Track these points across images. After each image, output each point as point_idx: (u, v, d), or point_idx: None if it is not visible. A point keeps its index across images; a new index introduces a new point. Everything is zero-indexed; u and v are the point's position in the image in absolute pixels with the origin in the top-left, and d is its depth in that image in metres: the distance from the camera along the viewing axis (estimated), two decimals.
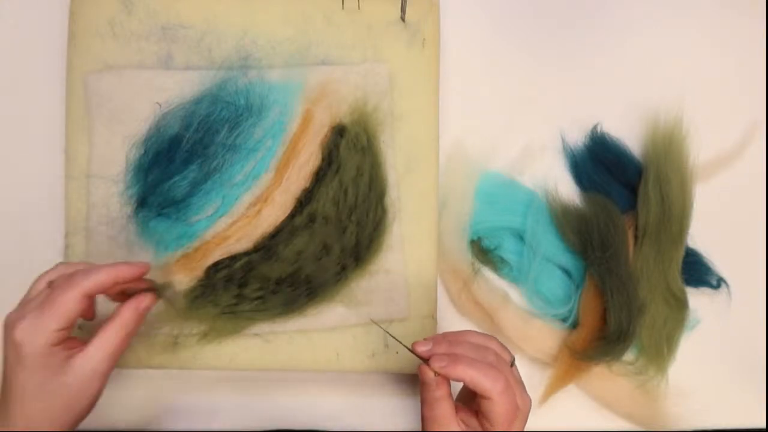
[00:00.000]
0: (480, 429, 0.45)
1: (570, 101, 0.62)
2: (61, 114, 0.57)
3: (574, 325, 0.59)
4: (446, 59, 0.60)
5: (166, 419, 0.59)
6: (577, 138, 0.61)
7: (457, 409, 0.46)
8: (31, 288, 0.46)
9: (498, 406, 0.44)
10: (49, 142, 0.58)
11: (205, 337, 0.55)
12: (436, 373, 0.44)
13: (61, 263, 0.47)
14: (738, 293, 0.61)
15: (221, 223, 0.56)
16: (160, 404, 0.59)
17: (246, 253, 0.56)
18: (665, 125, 0.60)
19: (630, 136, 0.61)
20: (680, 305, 0.59)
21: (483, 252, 0.60)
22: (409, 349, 0.46)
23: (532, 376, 0.60)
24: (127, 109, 0.56)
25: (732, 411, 0.61)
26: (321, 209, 0.56)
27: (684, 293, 0.59)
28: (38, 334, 0.41)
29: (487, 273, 0.60)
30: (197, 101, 0.56)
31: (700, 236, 0.60)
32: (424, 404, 0.46)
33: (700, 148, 0.60)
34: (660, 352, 0.59)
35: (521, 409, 0.45)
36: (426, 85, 0.59)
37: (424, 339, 0.46)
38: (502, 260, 0.60)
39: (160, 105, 0.56)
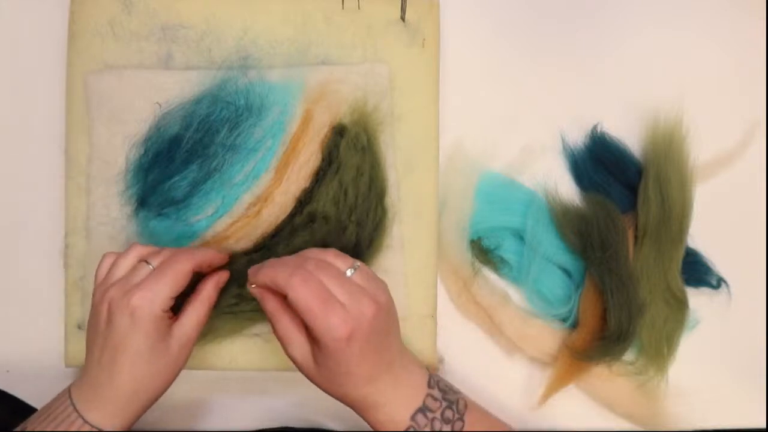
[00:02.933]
0: (314, 340, 0.44)
1: (570, 101, 0.62)
2: (61, 114, 0.57)
3: (574, 325, 0.59)
4: (446, 59, 0.60)
5: (166, 419, 0.59)
6: (577, 138, 0.61)
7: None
8: (113, 269, 0.48)
9: (297, 302, 0.42)
10: (49, 142, 0.58)
11: (205, 337, 0.55)
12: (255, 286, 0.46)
13: (135, 244, 0.50)
14: (738, 293, 0.61)
15: (221, 223, 0.56)
16: (160, 404, 0.59)
17: (246, 253, 0.56)
18: (665, 125, 0.59)
19: (630, 136, 0.61)
20: (680, 305, 0.59)
21: (483, 252, 0.60)
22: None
23: (532, 376, 0.60)
24: (127, 109, 0.56)
25: (732, 411, 0.61)
26: (321, 209, 0.56)
27: (684, 293, 0.59)
28: (156, 299, 0.45)
29: (487, 273, 0.60)
30: (197, 101, 0.56)
31: (700, 236, 0.60)
32: (270, 325, 0.47)
33: (700, 148, 0.60)
34: (660, 352, 0.59)
35: (349, 310, 0.43)
36: (426, 85, 0.59)
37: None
38: (502, 260, 0.60)
39: (160, 105, 0.56)
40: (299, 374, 0.59)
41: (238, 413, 0.59)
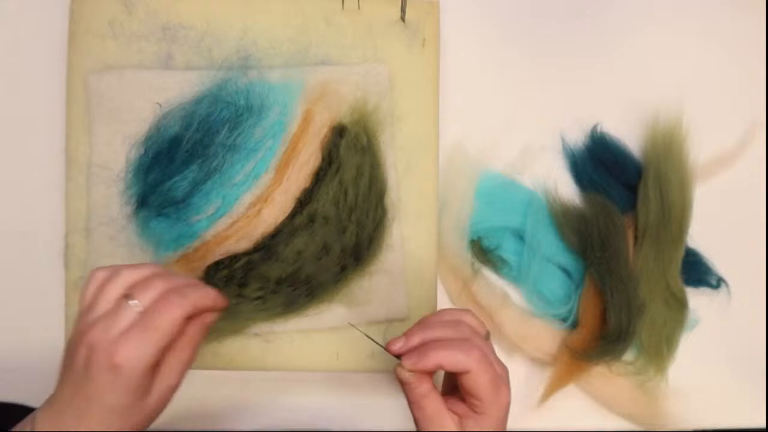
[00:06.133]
0: (471, 412, 0.44)
1: (570, 101, 0.62)
2: (61, 114, 0.57)
3: (574, 325, 0.59)
4: (446, 59, 0.60)
5: (166, 419, 0.59)
6: (577, 138, 0.61)
7: (447, 402, 0.45)
8: (98, 298, 0.42)
9: (479, 377, 0.43)
10: (49, 142, 0.58)
11: (205, 337, 0.55)
12: (413, 371, 0.44)
13: (123, 268, 0.43)
14: (738, 293, 0.61)
15: (221, 223, 0.56)
16: None
17: (246, 253, 0.56)
18: (665, 125, 0.60)
19: (630, 136, 0.61)
20: (680, 305, 0.59)
21: (483, 252, 0.60)
22: (384, 349, 0.45)
23: (532, 376, 0.60)
24: (127, 109, 0.56)
25: (732, 411, 0.61)
26: (321, 209, 0.56)
27: (684, 293, 0.59)
28: (143, 357, 0.40)
29: (487, 273, 0.60)
30: (197, 101, 0.56)
31: (700, 236, 0.60)
32: (412, 405, 0.45)
33: (700, 148, 0.60)
34: (660, 352, 0.59)
35: (504, 377, 0.45)
36: (426, 85, 0.59)
37: (401, 335, 0.45)
38: (502, 260, 0.60)
39: (160, 105, 0.56)
40: (299, 375, 0.59)
41: (238, 413, 0.59)
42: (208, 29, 0.58)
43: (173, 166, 0.55)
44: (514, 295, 0.60)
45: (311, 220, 0.56)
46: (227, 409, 0.59)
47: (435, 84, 0.59)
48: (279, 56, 0.58)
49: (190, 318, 0.42)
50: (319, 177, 0.57)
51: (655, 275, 0.58)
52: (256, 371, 0.58)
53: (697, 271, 0.61)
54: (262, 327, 0.56)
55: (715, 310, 0.61)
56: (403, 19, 0.59)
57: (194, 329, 0.43)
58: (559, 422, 0.60)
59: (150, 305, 0.41)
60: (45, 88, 0.59)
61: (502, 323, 0.59)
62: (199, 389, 0.59)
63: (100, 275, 0.43)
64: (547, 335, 0.59)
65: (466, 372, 0.43)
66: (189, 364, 0.44)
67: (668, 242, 0.58)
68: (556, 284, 0.60)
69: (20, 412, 0.56)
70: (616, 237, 0.58)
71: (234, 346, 0.56)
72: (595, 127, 0.61)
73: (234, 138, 0.56)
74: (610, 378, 0.59)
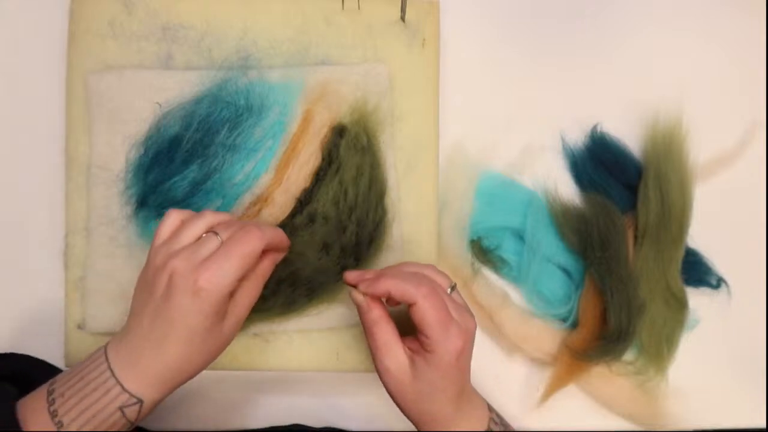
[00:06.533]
0: (421, 349, 0.45)
1: (570, 101, 0.62)
2: (61, 114, 0.57)
3: (574, 325, 0.59)
4: (446, 59, 0.60)
5: (166, 419, 0.59)
6: (577, 138, 0.61)
7: (404, 340, 0.47)
8: (178, 233, 0.45)
9: (426, 312, 0.44)
10: (49, 142, 0.58)
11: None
12: (365, 295, 0.46)
13: (207, 210, 0.47)
14: (738, 293, 0.61)
15: None
16: (160, 404, 0.59)
17: None
18: (665, 125, 0.60)
19: (630, 136, 0.61)
20: (680, 305, 0.59)
21: (483, 252, 0.60)
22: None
23: (532, 376, 0.60)
24: (127, 109, 0.56)
25: (732, 411, 0.61)
26: (321, 209, 0.56)
27: (684, 293, 0.59)
28: (224, 282, 0.42)
29: (487, 273, 0.60)
30: (197, 101, 0.56)
31: (700, 236, 0.60)
32: (367, 335, 0.47)
33: (700, 148, 0.60)
34: (660, 352, 0.59)
35: (461, 325, 0.45)
36: (426, 85, 0.59)
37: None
38: (502, 260, 0.60)
39: (160, 105, 0.56)
40: (299, 375, 0.59)
41: (239, 413, 0.59)
42: (208, 29, 0.58)
43: (173, 166, 0.55)
44: (514, 295, 0.60)
45: (311, 219, 0.56)
46: (227, 409, 0.59)
47: (435, 84, 0.59)
48: (279, 56, 0.58)
49: (263, 253, 0.45)
50: (319, 177, 0.57)
51: (655, 275, 0.58)
52: (256, 371, 0.58)
53: (697, 271, 0.61)
54: (262, 327, 0.56)
55: (715, 310, 0.61)
56: (403, 19, 0.59)
57: (265, 264, 0.47)
58: (559, 422, 0.60)
59: (231, 236, 0.44)
60: (45, 88, 0.59)
61: (502, 323, 0.59)
62: (200, 389, 0.59)
63: (178, 215, 0.46)
64: (547, 335, 0.59)
65: (413, 304, 0.44)
66: (256, 298, 0.47)
67: (668, 242, 0.58)
68: (556, 284, 0.60)
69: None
70: (616, 237, 0.58)
71: (234, 346, 0.56)
72: (595, 127, 0.61)
73: (234, 138, 0.56)
74: (610, 378, 0.59)
